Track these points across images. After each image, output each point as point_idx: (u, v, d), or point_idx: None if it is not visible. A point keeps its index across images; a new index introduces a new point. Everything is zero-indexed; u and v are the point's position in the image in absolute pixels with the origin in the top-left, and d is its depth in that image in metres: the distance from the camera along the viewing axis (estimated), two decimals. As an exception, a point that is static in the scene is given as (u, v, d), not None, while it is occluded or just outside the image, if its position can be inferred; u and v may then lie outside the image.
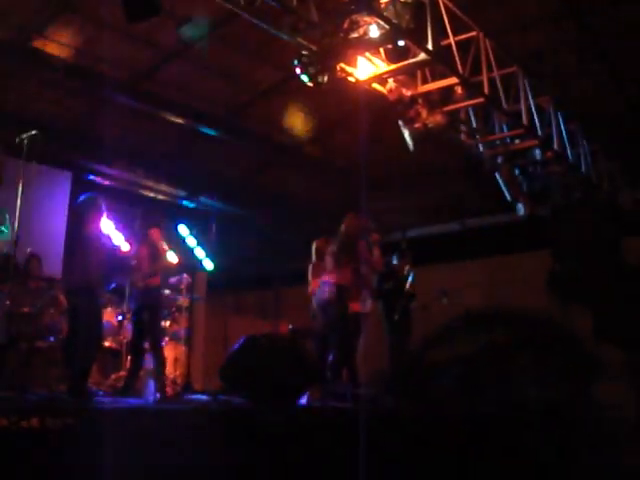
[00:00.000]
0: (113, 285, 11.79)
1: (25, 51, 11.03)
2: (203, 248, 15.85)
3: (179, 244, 14.50)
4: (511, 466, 8.28)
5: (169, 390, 10.47)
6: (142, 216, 10.46)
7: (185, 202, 15.27)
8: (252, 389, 8.20)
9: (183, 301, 12.97)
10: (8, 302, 9.76)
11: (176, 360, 12.16)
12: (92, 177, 13.65)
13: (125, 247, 12.69)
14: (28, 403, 7.47)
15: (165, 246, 10.28)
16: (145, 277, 9.89)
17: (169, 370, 11.66)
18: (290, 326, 12.09)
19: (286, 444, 7.19)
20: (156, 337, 10.05)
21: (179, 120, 13.22)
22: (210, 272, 16.22)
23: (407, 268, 12.32)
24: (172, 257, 11.33)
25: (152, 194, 14.54)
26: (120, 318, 11.83)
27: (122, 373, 11.00)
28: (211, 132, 13.70)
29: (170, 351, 12.09)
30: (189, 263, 14.84)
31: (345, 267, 10.27)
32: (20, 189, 8.25)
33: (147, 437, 6.45)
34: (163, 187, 14.55)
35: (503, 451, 8.40)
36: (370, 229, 10.83)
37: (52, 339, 10.29)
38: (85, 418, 6.54)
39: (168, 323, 12.31)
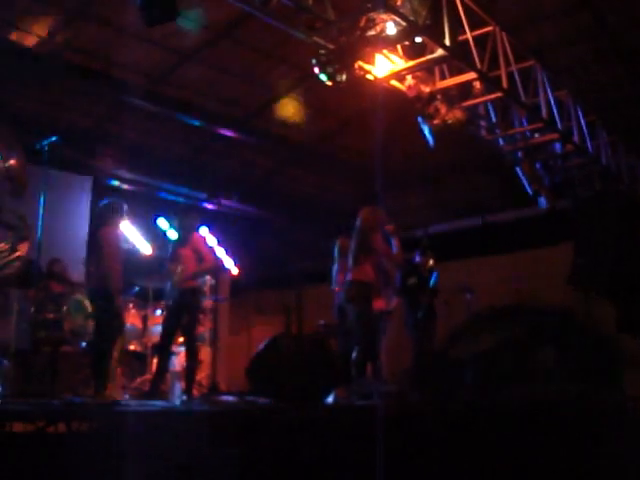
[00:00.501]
0: (137, 289, 11.81)
1: (42, 57, 11.08)
2: (225, 250, 15.87)
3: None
4: (537, 461, 8.26)
5: (195, 392, 10.49)
6: (179, 219, 10.36)
7: (205, 204, 15.29)
8: (278, 389, 8.22)
9: (207, 303, 12.99)
10: (32, 308, 9.84)
11: (201, 362, 12.18)
12: (113, 182, 13.71)
13: (147, 250, 12.74)
14: (52, 408, 7.49)
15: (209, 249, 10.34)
16: (189, 278, 9.87)
17: (195, 372, 11.74)
18: (322, 322, 12.05)
19: (312, 443, 7.20)
20: (194, 338, 10.08)
21: (197, 122, 13.26)
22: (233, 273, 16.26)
23: (430, 264, 12.30)
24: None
25: (172, 197, 14.57)
26: (159, 312, 11.87)
27: (147, 376, 11.03)
28: (228, 134, 13.72)
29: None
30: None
31: (364, 263, 10.18)
32: (42, 195, 8.28)
33: (174, 438, 6.48)
34: (183, 190, 14.58)
35: (528, 446, 8.38)
36: (384, 220, 10.70)
37: (82, 344, 10.35)
38: (108, 422, 6.58)
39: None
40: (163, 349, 10.07)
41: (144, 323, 11.92)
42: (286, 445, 7.06)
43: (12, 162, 8.49)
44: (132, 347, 11.64)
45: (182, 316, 9.81)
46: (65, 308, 10.27)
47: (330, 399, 9.05)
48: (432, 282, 12.01)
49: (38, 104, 11.94)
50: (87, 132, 12.88)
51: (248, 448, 6.86)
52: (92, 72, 11.70)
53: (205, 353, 12.45)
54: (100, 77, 11.77)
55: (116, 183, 13.69)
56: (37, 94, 11.85)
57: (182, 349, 10.45)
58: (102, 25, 10.94)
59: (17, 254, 8.54)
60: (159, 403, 9.24)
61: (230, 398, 10.61)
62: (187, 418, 7.19)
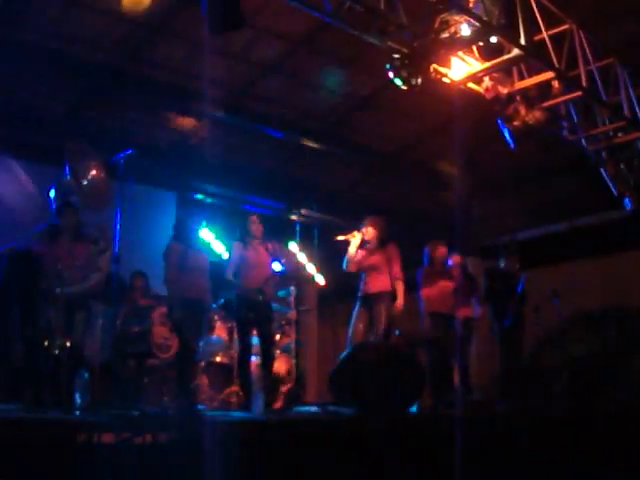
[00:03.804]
0: (222, 300, 11.83)
1: (122, 74, 11.23)
2: (311, 260, 15.87)
3: (288, 256, 14.47)
4: (626, 469, 8.03)
5: (279, 402, 10.46)
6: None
7: (289, 215, 15.32)
8: (361, 398, 8.14)
9: (292, 314, 12.96)
10: (118, 322, 9.94)
11: (288, 373, 12.16)
12: (196, 195, 13.86)
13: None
14: (137, 420, 7.55)
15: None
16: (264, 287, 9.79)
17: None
18: (397, 332, 11.89)
19: (396, 453, 7.11)
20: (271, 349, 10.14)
21: (278, 134, 13.28)
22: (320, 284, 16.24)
23: (517, 269, 12.05)
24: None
25: (257, 209, 14.60)
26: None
27: (234, 388, 11.02)
28: (311, 144, 13.71)
29: (282, 364, 12.09)
30: (298, 276, 14.82)
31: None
32: (120, 209, 8.32)
33: (253, 449, 6.46)
34: (267, 202, 14.62)
35: (618, 454, 8.15)
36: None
37: (164, 356, 10.41)
38: (191, 432, 6.60)
39: (279, 336, 12.32)
40: (247, 360, 9.97)
41: (230, 335, 11.92)
42: (367, 455, 6.99)
43: (92, 175, 8.63)
44: (218, 359, 11.64)
45: (260, 326, 9.77)
46: (150, 321, 10.36)
47: (414, 408, 8.96)
48: (520, 288, 11.75)
49: (118, 119, 12.08)
50: (170, 147, 13.02)
51: (328, 458, 6.81)
52: (172, 87, 11.82)
53: (291, 364, 12.41)
54: (181, 92, 11.89)
55: (200, 197, 13.84)
56: (119, 110, 12.00)
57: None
58: (179, 40, 11.03)
59: (97, 267, 8.66)
60: (238, 414, 9.26)
61: (313, 409, 10.58)
62: (265, 428, 7.17)
